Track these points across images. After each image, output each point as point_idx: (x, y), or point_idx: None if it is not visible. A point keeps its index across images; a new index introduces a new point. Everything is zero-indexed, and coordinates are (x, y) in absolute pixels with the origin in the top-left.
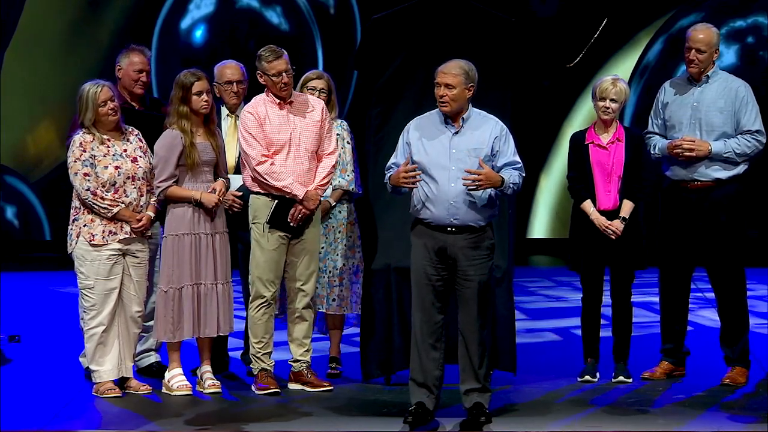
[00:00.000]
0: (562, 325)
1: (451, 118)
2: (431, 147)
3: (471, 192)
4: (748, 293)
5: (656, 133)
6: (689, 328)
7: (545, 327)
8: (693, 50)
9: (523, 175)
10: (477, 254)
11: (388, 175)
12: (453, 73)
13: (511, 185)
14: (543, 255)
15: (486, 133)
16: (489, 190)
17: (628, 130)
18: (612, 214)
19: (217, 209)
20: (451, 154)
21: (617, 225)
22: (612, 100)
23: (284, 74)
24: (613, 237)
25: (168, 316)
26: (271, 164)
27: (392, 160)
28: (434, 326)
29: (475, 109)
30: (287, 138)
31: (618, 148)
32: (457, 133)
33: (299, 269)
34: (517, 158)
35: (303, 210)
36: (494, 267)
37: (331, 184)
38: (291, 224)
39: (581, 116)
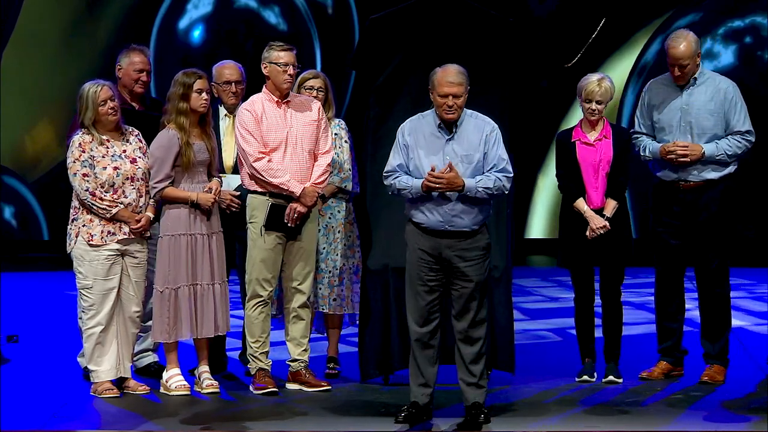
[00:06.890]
0: (561, 325)
1: (446, 124)
2: (426, 153)
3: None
4: (748, 293)
5: (644, 134)
6: (687, 328)
7: (543, 327)
8: (675, 67)
9: (509, 175)
10: (473, 255)
11: (397, 178)
12: (458, 82)
13: (481, 189)
14: (541, 255)
15: (478, 137)
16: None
17: (614, 126)
18: (602, 211)
19: (213, 209)
20: (444, 161)
21: (605, 225)
22: (597, 102)
23: (290, 66)
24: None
25: (164, 317)
26: (269, 161)
27: (395, 161)
28: (431, 327)
29: (467, 111)
30: (284, 136)
31: (605, 144)
32: (450, 138)
33: (296, 269)
34: (504, 158)
35: (299, 209)
36: (492, 267)
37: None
38: (288, 225)
39: (579, 116)
